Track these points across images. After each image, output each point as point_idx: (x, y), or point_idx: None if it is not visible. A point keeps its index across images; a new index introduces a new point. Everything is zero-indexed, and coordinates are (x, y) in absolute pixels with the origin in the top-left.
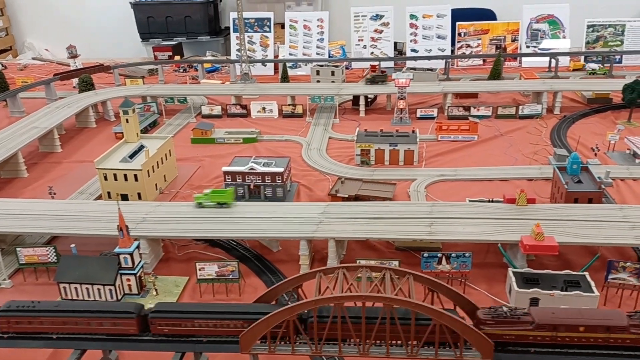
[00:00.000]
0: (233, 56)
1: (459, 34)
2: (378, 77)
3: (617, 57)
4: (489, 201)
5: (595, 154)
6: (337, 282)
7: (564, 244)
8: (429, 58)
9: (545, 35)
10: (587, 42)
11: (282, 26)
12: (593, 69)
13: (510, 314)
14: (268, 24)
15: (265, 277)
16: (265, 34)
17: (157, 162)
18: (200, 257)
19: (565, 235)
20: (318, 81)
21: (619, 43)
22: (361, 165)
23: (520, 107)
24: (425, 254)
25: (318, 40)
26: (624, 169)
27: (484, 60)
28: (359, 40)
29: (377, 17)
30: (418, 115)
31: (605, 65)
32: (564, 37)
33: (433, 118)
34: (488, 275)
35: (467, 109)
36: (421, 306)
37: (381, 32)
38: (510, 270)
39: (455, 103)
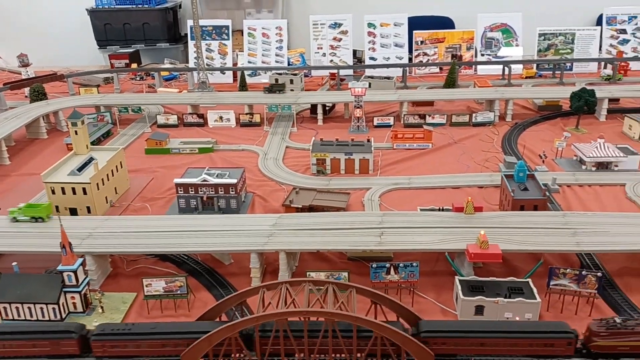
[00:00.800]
0: (192, 64)
1: (416, 42)
2: (275, 86)
3: (568, 64)
4: (439, 210)
5: (543, 161)
6: (280, 297)
7: (508, 252)
8: (387, 66)
9: (499, 44)
10: (539, 50)
11: (242, 33)
12: (608, 75)
13: (623, 325)
14: (226, 31)
15: (216, 291)
16: (223, 41)
17: (107, 175)
18: (149, 272)
19: (509, 242)
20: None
21: (569, 51)
22: (317, 175)
23: (474, 114)
24: (374, 265)
25: (277, 48)
26: (570, 175)
27: (440, 69)
28: (318, 48)
29: (336, 25)
30: (375, 124)
31: (556, 72)
32: (517, 46)
33: (390, 126)
34: (438, 283)
35: (423, 117)
36: (361, 319)
37: (340, 40)
38: (457, 278)
39: (412, 111)
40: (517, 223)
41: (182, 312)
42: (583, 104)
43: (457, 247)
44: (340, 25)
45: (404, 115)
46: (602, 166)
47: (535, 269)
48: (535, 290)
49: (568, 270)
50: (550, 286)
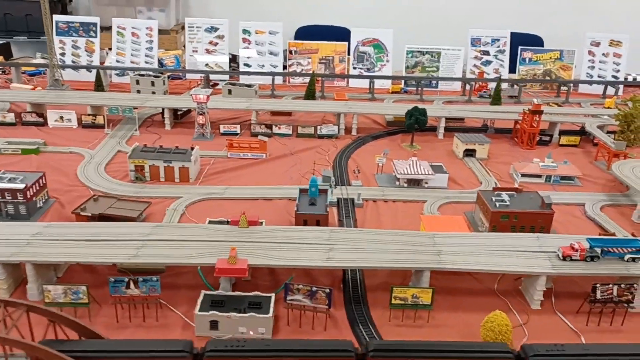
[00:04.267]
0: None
1: (290, 52)
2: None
3: (434, 82)
4: (227, 222)
5: (357, 176)
6: None
7: (257, 266)
8: (261, 74)
9: (370, 58)
10: (407, 67)
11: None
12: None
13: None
14: (94, 28)
15: None
16: (91, 39)
17: None
18: None
19: (264, 257)
20: (138, 91)
21: (434, 69)
22: (135, 182)
23: (319, 127)
24: (112, 279)
25: (147, 49)
26: (379, 191)
27: (316, 79)
28: (194, 51)
29: (212, 29)
30: (222, 131)
31: (418, 89)
32: (387, 61)
33: (236, 134)
34: (195, 296)
35: (269, 126)
36: (10, 341)
37: (216, 44)
38: (202, 292)
39: (264, 120)
40: (285, 238)
41: None
42: (414, 122)
43: (209, 261)
44: (216, 29)
45: (251, 124)
46: (414, 183)
47: (288, 281)
48: (272, 304)
49: (300, 286)
50: (287, 301)
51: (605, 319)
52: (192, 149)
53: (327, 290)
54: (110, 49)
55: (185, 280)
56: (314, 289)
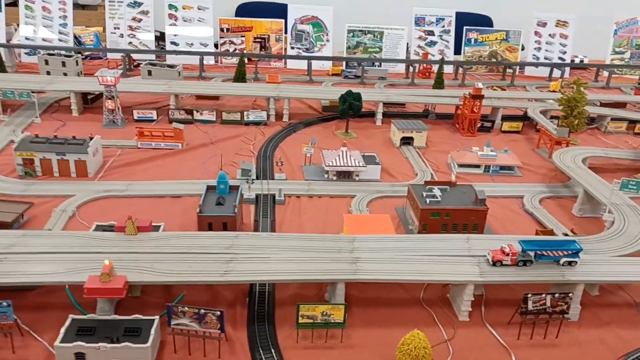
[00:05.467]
0: None
1: (221, 30)
2: None
3: (377, 64)
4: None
5: (280, 169)
6: None
7: (139, 284)
8: (188, 53)
9: (309, 37)
10: (348, 47)
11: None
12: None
13: None
14: None
15: None
16: None
17: None
18: None
19: (149, 273)
20: (48, 72)
21: (377, 50)
22: (23, 178)
23: (246, 112)
24: None
25: (60, 25)
26: (304, 185)
27: (249, 59)
28: (115, 29)
29: (136, 4)
30: (135, 117)
31: (362, 70)
32: (328, 41)
33: (152, 121)
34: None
35: (190, 112)
36: None
37: (140, 20)
38: (70, 317)
39: (197, 105)
40: (179, 247)
41: None
42: (347, 107)
43: (78, 279)
44: (140, 4)
45: (169, 109)
46: (344, 175)
47: (177, 301)
48: (153, 330)
49: (186, 308)
50: (172, 326)
51: (540, 330)
52: (91, 138)
53: (218, 313)
54: (18, 25)
55: (58, 298)
56: (202, 311)
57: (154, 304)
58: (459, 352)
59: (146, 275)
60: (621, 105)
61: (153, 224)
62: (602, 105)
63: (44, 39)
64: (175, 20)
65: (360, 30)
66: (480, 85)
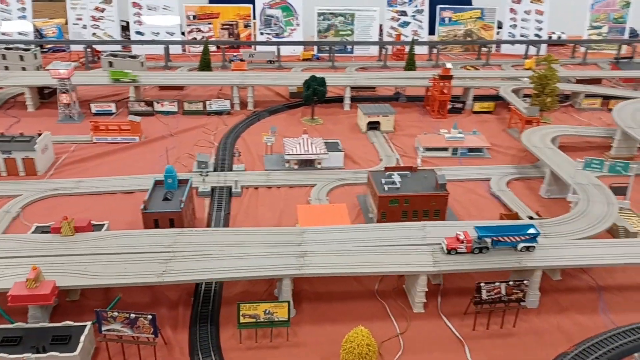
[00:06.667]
0: None
1: (188, 17)
2: None
3: (349, 47)
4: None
5: (238, 159)
6: None
7: (68, 288)
8: (154, 43)
9: (279, 22)
10: (319, 31)
11: None
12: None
13: None
14: None
15: None
16: None
17: None
18: None
19: (81, 276)
20: (6, 67)
21: (349, 32)
22: None
23: (208, 102)
24: None
25: (19, 18)
26: (263, 175)
27: (217, 47)
28: (78, 19)
29: None
30: (94, 111)
31: (331, 55)
32: (298, 25)
33: (112, 114)
34: None
35: (150, 104)
36: None
37: (103, 10)
38: None
39: (163, 96)
40: (117, 247)
41: None
42: (311, 93)
43: (4, 286)
44: None
45: (129, 102)
46: (306, 164)
47: (113, 304)
48: (83, 338)
49: (116, 313)
50: (103, 332)
51: (498, 320)
52: (39, 135)
53: (149, 317)
54: None
55: None
56: (133, 315)
57: (94, 307)
58: (410, 346)
59: (78, 278)
60: (597, 81)
61: (97, 222)
62: (578, 82)
63: (3, 33)
64: (140, 8)
65: (331, 13)
66: (449, 65)
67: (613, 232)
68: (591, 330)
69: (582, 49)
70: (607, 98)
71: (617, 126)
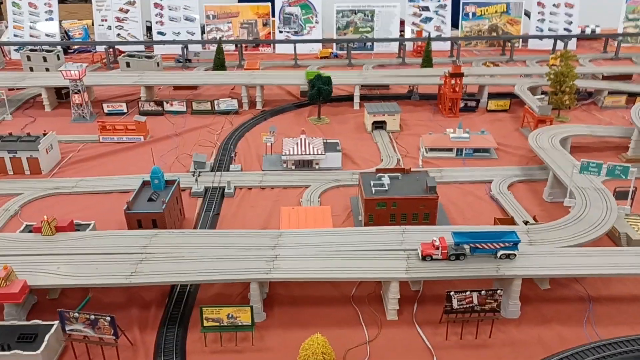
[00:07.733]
0: None
1: (207, 17)
2: None
3: (369, 44)
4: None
5: (233, 160)
6: None
7: (40, 287)
8: (173, 42)
9: (298, 20)
10: (338, 28)
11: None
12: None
13: None
14: None
15: None
16: None
17: None
18: None
19: (54, 275)
20: (31, 68)
21: (369, 29)
22: None
23: (216, 102)
24: None
25: (47, 20)
26: (259, 176)
27: (236, 46)
28: (103, 21)
29: None
30: (106, 111)
31: (349, 52)
32: (317, 23)
33: (123, 113)
34: None
35: (160, 104)
36: None
37: (127, 11)
38: None
39: (176, 95)
40: (93, 247)
41: None
42: (316, 93)
43: None
44: None
45: (139, 102)
46: (303, 164)
47: (83, 304)
48: (48, 337)
49: (77, 313)
50: (67, 332)
51: (472, 329)
52: (45, 135)
53: (109, 318)
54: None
55: None
56: (93, 317)
57: (73, 306)
58: (376, 354)
59: (50, 278)
60: (628, 77)
61: (82, 222)
62: (605, 78)
63: (31, 35)
64: (161, 9)
65: (350, 10)
66: (459, 62)
67: (615, 239)
68: (571, 343)
69: (615, 43)
70: (632, 95)
71: (635, 125)
